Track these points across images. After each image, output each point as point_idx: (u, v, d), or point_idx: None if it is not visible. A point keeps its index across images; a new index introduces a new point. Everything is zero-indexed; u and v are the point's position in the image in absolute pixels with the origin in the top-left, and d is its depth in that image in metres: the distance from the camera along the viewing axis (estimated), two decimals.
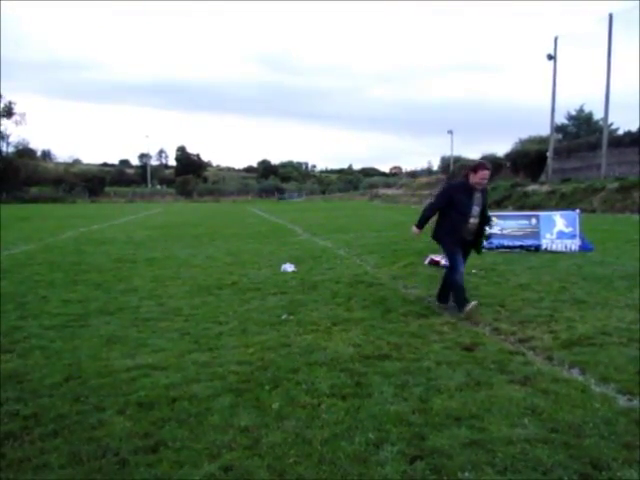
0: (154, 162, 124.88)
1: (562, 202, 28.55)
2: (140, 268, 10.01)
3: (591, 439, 3.00)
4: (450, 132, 65.49)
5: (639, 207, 24.38)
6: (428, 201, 6.26)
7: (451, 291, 6.22)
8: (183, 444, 3.02)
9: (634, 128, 35.87)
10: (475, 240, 6.30)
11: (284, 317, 5.97)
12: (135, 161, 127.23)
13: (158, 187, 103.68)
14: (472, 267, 9.24)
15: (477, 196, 6.06)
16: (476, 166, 6.07)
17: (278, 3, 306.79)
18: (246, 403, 3.59)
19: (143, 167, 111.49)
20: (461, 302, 5.95)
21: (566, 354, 4.52)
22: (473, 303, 5.86)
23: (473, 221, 6.07)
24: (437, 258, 9.62)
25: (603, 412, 3.35)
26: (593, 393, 3.68)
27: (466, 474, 2.67)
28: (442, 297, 6.47)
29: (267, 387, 3.86)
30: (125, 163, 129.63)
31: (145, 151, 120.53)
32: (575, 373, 4.10)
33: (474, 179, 5.98)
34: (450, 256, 6.19)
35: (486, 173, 5.97)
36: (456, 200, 6.03)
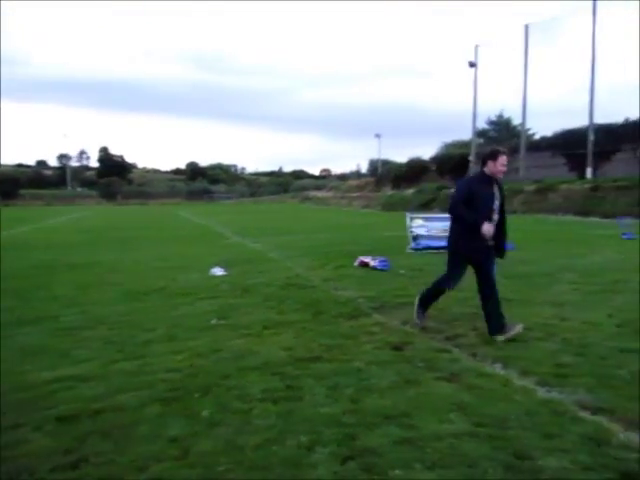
0: (74, 163, 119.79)
1: None
2: (61, 274, 9.59)
3: (514, 430, 3.13)
4: (377, 136, 66.77)
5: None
6: (450, 202, 5.38)
7: (429, 291, 5.62)
8: (107, 458, 2.90)
9: (549, 133, 37.88)
10: (496, 243, 5.36)
11: (214, 322, 5.88)
12: (53, 162, 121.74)
13: (79, 189, 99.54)
14: (400, 267, 9.46)
15: (495, 189, 5.22)
16: (494, 152, 5.18)
17: (208, 3, 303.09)
18: (175, 412, 3.50)
19: (62, 168, 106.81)
20: (423, 307, 5.59)
21: (490, 350, 4.70)
22: (421, 323, 5.50)
23: (495, 217, 5.19)
24: (366, 259, 9.77)
25: (524, 404, 3.50)
26: (515, 386, 3.84)
27: (396, 472, 2.72)
28: (494, 326, 5.17)
29: (197, 394, 3.78)
30: (42, 164, 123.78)
31: (64, 151, 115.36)
32: (498, 368, 4.26)
33: (495, 167, 5.11)
34: (451, 268, 5.46)
35: (505, 158, 5.15)
36: (476, 194, 5.12)
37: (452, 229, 5.43)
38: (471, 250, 5.27)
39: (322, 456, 2.88)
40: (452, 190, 34.72)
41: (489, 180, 5.19)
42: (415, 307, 5.64)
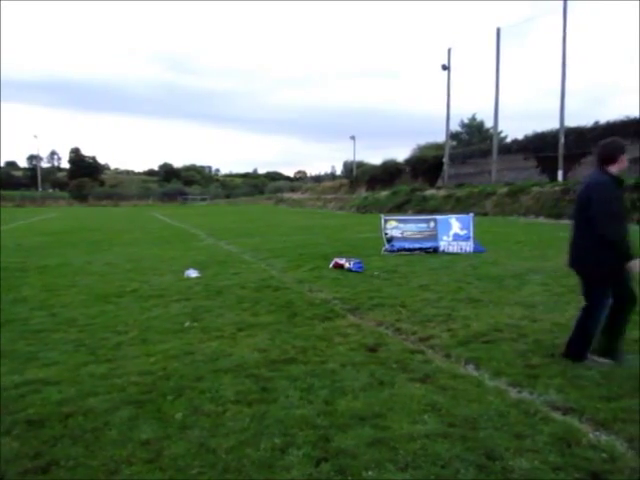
0: (45, 164, 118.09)
1: (458, 206, 30.00)
2: (31, 277, 9.40)
3: (485, 431, 3.16)
4: (352, 138, 66.77)
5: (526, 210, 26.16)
6: (604, 221, 4.13)
7: (580, 335, 4.43)
8: (77, 462, 2.86)
9: (520, 136, 38.38)
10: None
11: (188, 324, 5.82)
12: (24, 163, 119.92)
13: (50, 191, 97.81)
14: (375, 269, 9.50)
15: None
16: (623, 145, 4.37)
17: (179, 4, 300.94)
18: (147, 415, 3.46)
19: (33, 169, 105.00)
20: (583, 351, 4.39)
21: (463, 351, 4.74)
22: (606, 361, 4.31)
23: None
24: (341, 261, 9.78)
25: (496, 405, 3.54)
26: (487, 387, 3.88)
27: (370, 473, 2.73)
28: (577, 349, 4.43)
29: (170, 397, 3.74)
30: (12, 165, 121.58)
31: (35, 152, 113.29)
32: (471, 369, 4.30)
33: (620, 165, 4.31)
34: (602, 295, 4.30)
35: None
36: (619, 202, 4.32)
37: (600, 249, 4.21)
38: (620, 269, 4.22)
39: (296, 458, 2.87)
40: (428, 192, 34.16)
41: (620, 182, 4.35)
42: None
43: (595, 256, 4.28)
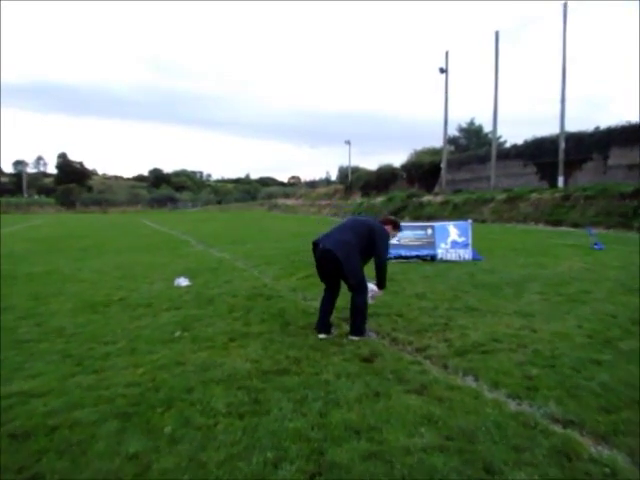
0: (31, 170, 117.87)
1: (455, 212, 30.14)
2: (18, 285, 9.36)
3: (483, 444, 3.16)
4: (348, 142, 66.79)
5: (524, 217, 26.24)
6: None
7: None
8: (63, 476, 2.84)
9: (520, 141, 38.51)
10: None
11: (177, 334, 5.80)
12: (9, 168, 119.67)
13: (36, 197, 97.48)
14: (369, 278, 9.49)
15: None
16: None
17: (166, 4, 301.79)
18: (135, 427, 3.44)
19: (18, 175, 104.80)
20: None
21: (460, 361, 4.73)
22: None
23: None
24: None
25: (494, 417, 3.54)
26: (485, 399, 3.87)
27: None
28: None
29: (159, 409, 3.72)
30: None
31: (20, 157, 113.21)
32: (469, 380, 4.30)
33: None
34: None
35: None
36: None
37: None
38: None
39: (289, 472, 2.86)
40: (424, 198, 34.45)
41: None
42: None
43: None
